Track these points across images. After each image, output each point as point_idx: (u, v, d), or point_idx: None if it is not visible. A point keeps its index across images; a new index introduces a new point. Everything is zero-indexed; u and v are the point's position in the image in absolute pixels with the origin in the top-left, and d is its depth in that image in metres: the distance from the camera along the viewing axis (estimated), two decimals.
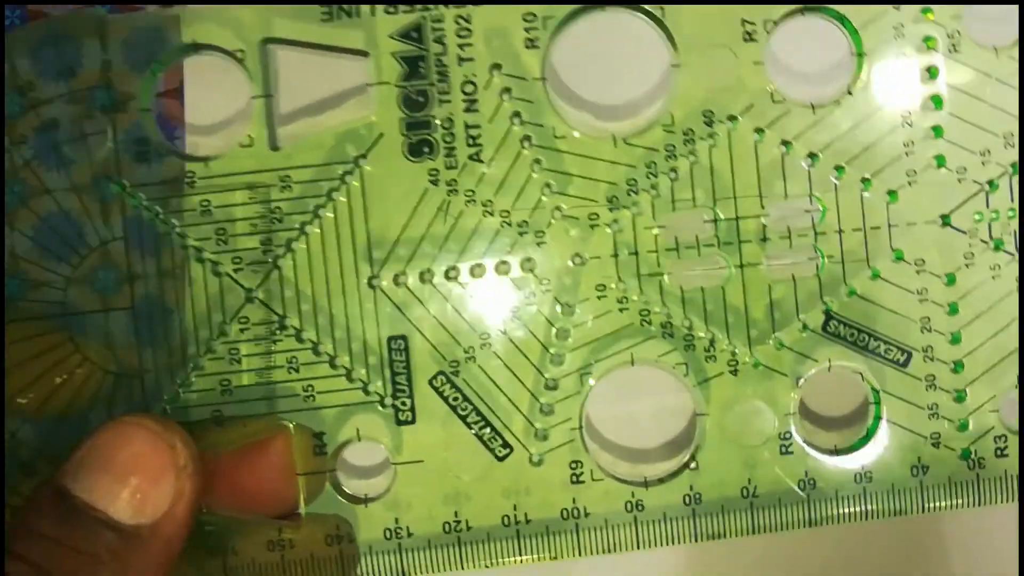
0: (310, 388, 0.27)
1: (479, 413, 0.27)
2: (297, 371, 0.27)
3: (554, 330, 0.27)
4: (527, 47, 0.27)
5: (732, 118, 0.27)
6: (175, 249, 0.27)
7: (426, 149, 0.27)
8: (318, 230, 0.27)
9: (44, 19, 0.26)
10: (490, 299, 0.27)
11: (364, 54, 0.27)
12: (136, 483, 0.24)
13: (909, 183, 0.27)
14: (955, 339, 0.28)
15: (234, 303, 0.27)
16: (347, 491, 0.27)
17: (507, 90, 0.27)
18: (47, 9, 0.33)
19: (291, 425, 0.27)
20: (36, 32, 0.26)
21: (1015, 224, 0.27)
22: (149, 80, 0.27)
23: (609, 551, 0.27)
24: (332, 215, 0.27)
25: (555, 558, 0.27)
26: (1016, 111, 0.27)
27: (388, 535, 0.27)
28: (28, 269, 0.26)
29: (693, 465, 0.28)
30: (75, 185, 0.26)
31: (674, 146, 0.27)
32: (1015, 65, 0.27)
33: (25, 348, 0.26)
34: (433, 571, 0.27)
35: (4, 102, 0.26)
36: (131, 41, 0.27)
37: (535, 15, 0.27)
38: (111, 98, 0.26)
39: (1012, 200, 0.27)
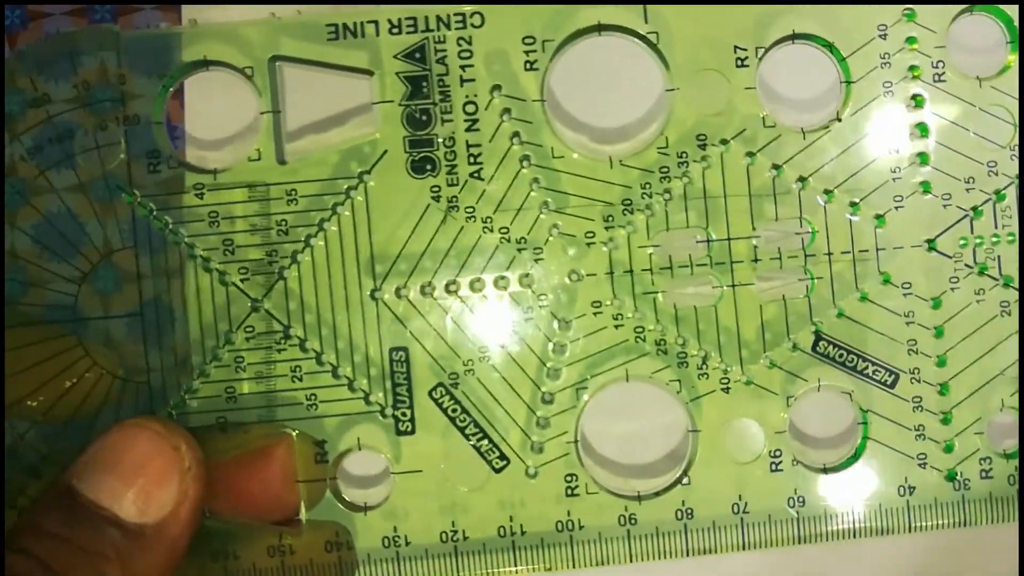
0: (313, 397, 0.28)
1: (477, 425, 0.28)
2: (300, 380, 0.27)
3: (551, 345, 0.28)
4: (526, 69, 0.28)
5: (724, 141, 0.28)
6: (183, 258, 0.27)
7: (428, 166, 0.28)
8: (323, 243, 0.27)
9: (60, 34, 0.27)
10: (489, 313, 0.28)
11: (369, 73, 0.28)
12: (141, 483, 0.25)
13: (896, 208, 0.28)
14: (941, 362, 0.28)
15: (240, 312, 0.27)
16: (347, 499, 0.28)
17: (507, 111, 0.28)
18: (48, 9, 0.34)
19: (293, 433, 0.27)
20: (52, 45, 0.27)
21: (1000, 250, 0.28)
22: (161, 94, 0.27)
23: (602, 564, 0.28)
24: (336, 229, 0.28)
25: (549, 570, 0.28)
26: (999, 140, 0.28)
27: (386, 543, 0.28)
28: (37, 274, 0.27)
29: (685, 480, 0.28)
30: (87, 195, 0.27)
31: (668, 168, 0.28)
32: (998, 95, 0.28)
33: (36, 352, 0.27)
34: None
35: (4, 102, 0.27)
36: (143, 55, 0.27)
37: (535, 38, 0.28)
38: (124, 111, 0.27)
39: (996, 226, 0.28)
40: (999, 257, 0.28)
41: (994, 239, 0.28)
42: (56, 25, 0.34)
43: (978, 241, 0.28)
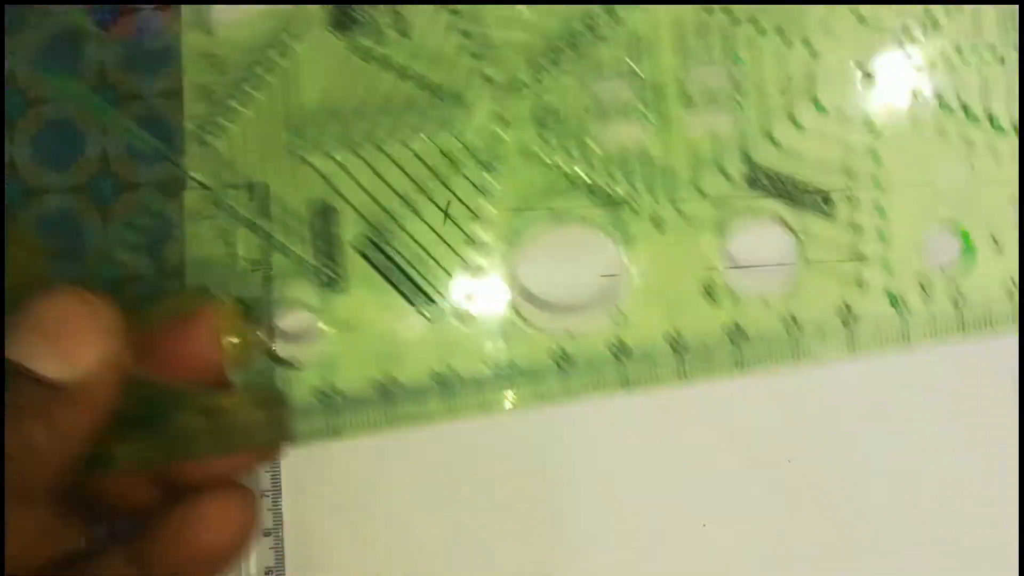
0: (241, 259, 0.28)
1: (407, 276, 0.28)
2: (231, 245, 0.28)
3: (481, 192, 0.28)
4: None
5: None
6: None
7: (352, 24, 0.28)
8: (250, 109, 0.28)
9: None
10: (417, 166, 0.28)
11: None
12: (60, 340, 0.25)
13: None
14: (876, 184, 0.28)
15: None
16: (279, 356, 0.28)
17: None
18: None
19: (222, 295, 0.28)
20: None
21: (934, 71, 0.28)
22: None
23: (540, 401, 0.28)
24: (262, 93, 0.28)
25: (485, 411, 0.28)
26: None
27: (319, 396, 0.28)
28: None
29: (619, 318, 0.28)
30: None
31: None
32: None
33: None
34: (365, 430, 0.28)
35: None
36: None
37: None
38: None
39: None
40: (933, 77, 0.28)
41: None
42: None
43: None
